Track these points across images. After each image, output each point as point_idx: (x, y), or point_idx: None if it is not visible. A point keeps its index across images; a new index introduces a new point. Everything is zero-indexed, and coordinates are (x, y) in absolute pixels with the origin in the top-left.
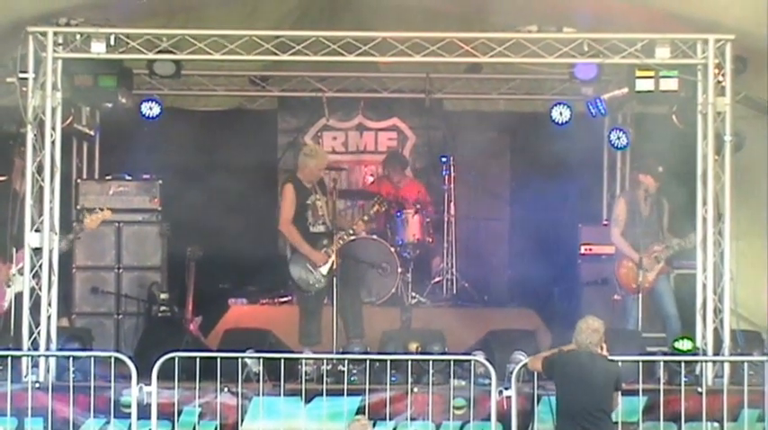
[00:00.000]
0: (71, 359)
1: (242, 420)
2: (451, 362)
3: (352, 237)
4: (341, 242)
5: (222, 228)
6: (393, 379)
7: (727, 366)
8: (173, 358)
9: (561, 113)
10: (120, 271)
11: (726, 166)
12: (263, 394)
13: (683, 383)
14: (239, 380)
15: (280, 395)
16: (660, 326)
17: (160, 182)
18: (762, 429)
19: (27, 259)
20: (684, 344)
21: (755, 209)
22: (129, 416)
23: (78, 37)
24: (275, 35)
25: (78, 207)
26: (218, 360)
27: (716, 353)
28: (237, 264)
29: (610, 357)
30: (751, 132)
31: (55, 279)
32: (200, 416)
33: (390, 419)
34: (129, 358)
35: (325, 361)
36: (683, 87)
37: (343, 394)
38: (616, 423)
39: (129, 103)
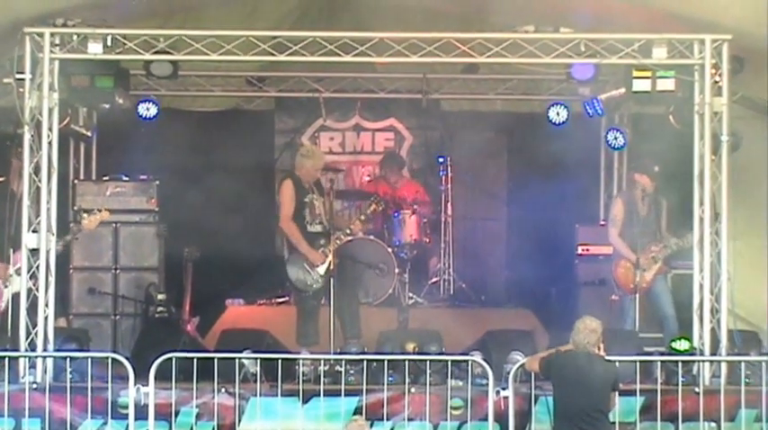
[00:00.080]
0: (68, 360)
1: (239, 421)
2: (449, 363)
3: (350, 238)
4: (338, 242)
5: (219, 228)
6: (390, 379)
7: (724, 366)
8: (170, 359)
9: (558, 114)
10: (118, 271)
11: (723, 166)
12: (260, 394)
13: (680, 383)
14: (236, 381)
15: (277, 395)
16: (657, 326)
17: (157, 182)
18: (759, 429)
19: (24, 260)
20: (681, 345)
21: (753, 209)
22: (126, 416)
23: (75, 38)
24: (272, 35)
25: (75, 208)
26: (216, 360)
27: (713, 354)
28: (235, 264)
29: (607, 357)
30: (748, 132)
31: (52, 279)
32: (198, 416)
33: (388, 420)
34: (127, 359)
35: (322, 361)
36: (680, 87)
37: (340, 394)
38: (613, 423)
39: (126, 103)
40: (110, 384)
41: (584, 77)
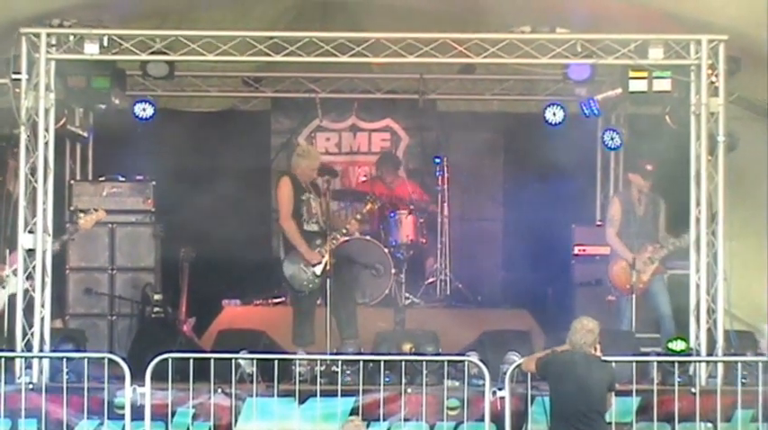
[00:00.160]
0: (65, 360)
1: (236, 421)
2: (445, 363)
3: (346, 238)
4: (334, 242)
5: (216, 229)
6: (387, 379)
7: (720, 366)
8: (166, 359)
9: (555, 114)
10: (114, 272)
11: (719, 167)
12: (256, 395)
13: (676, 384)
14: (233, 381)
15: (273, 396)
16: (653, 326)
17: (153, 183)
18: (755, 429)
19: (21, 260)
20: (678, 345)
21: (749, 209)
22: (122, 417)
23: (71, 38)
24: (268, 36)
25: (72, 208)
26: (212, 361)
27: (709, 354)
28: (231, 265)
29: (603, 358)
30: (744, 133)
31: (48, 280)
32: (194, 417)
33: (384, 420)
34: (123, 359)
35: (318, 361)
36: (677, 88)
37: (336, 395)
38: (610, 423)
39: (123, 104)
40: (106, 384)
41: (581, 78)
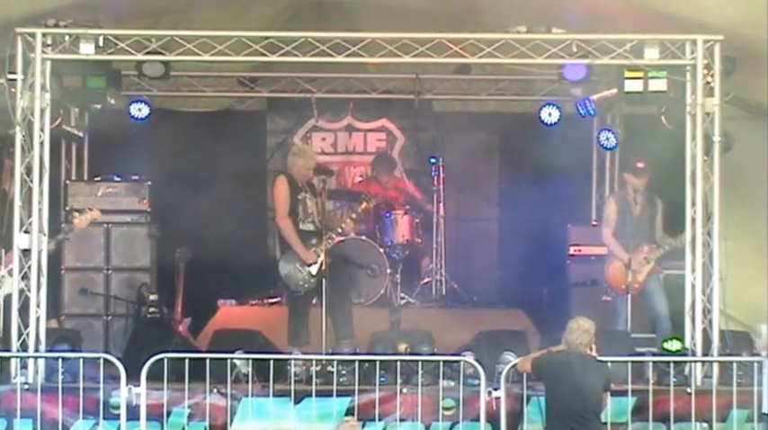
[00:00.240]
0: (60, 360)
1: (231, 421)
2: (441, 363)
3: (341, 238)
4: (330, 242)
5: (211, 229)
6: (382, 379)
7: (716, 366)
8: (162, 359)
9: (550, 114)
10: (109, 272)
11: (715, 167)
12: (252, 395)
13: (671, 384)
14: (228, 381)
15: (269, 396)
16: (649, 326)
17: (149, 183)
18: (751, 429)
19: (16, 260)
20: (673, 345)
21: (744, 209)
22: (118, 417)
23: (67, 38)
24: (264, 36)
25: (67, 208)
26: (208, 361)
27: (705, 354)
28: (227, 265)
29: (599, 358)
30: (740, 133)
31: (44, 280)
32: (190, 417)
33: (380, 420)
34: (119, 359)
35: (314, 361)
36: (672, 88)
37: (332, 395)
38: (605, 423)
39: (118, 104)
40: (101, 384)
41: (577, 78)
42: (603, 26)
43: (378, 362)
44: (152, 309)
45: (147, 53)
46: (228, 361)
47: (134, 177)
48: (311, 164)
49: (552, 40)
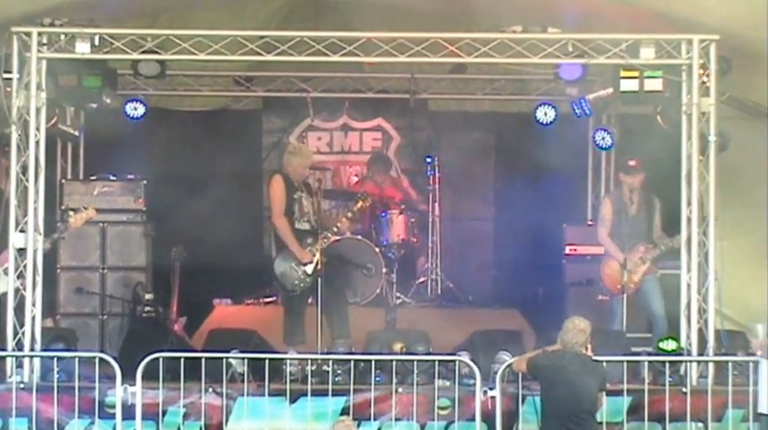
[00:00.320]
0: (55, 359)
1: (226, 420)
2: (436, 363)
3: (337, 238)
4: (325, 242)
5: (207, 228)
6: (378, 379)
7: (711, 366)
8: (157, 358)
9: (546, 114)
10: (105, 271)
11: (710, 167)
12: (247, 394)
13: (667, 383)
14: (224, 381)
15: (264, 395)
16: (645, 326)
17: (145, 182)
18: (746, 429)
19: (11, 259)
20: (669, 345)
21: (740, 209)
22: (113, 416)
23: (63, 37)
24: (260, 35)
25: (63, 207)
26: (203, 360)
27: (700, 354)
28: (222, 264)
29: (594, 357)
30: (736, 133)
31: (39, 279)
32: (185, 416)
33: (375, 419)
34: (114, 358)
35: (309, 361)
36: (668, 88)
37: (327, 394)
38: (600, 423)
39: (114, 103)
40: (97, 384)
41: (572, 77)
42: (599, 26)
43: (373, 362)
44: (147, 309)
45: (143, 52)
46: (224, 360)
47: (129, 176)
48: (307, 162)
49: (548, 40)
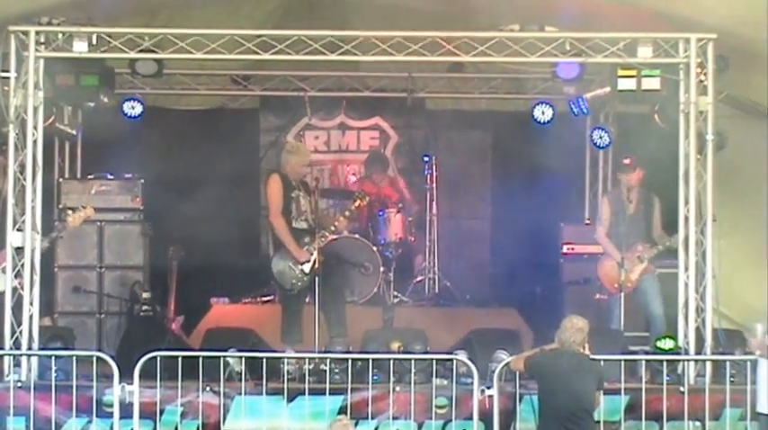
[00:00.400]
0: (53, 358)
1: (224, 419)
2: (433, 362)
3: (334, 236)
4: (323, 241)
5: (204, 227)
6: (375, 378)
7: (709, 365)
8: (155, 357)
9: (543, 112)
10: (102, 270)
11: (708, 166)
12: (245, 393)
13: (665, 382)
14: (221, 380)
15: (262, 394)
16: (643, 325)
17: (142, 181)
18: (744, 428)
19: (9, 258)
20: (666, 344)
21: (738, 208)
22: (111, 415)
23: (60, 36)
24: (257, 34)
25: (60, 206)
26: (201, 359)
27: (698, 353)
28: (220, 263)
29: (592, 356)
30: (734, 131)
31: (37, 278)
32: (183, 415)
33: (372, 418)
34: (112, 357)
35: (307, 360)
36: (666, 86)
37: (325, 393)
38: (598, 422)
39: (111, 102)
40: (94, 383)
41: (570, 76)
42: (597, 24)
43: (370, 361)
44: (145, 307)
45: (141, 51)
46: (221, 359)
47: (127, 175)
48: (305, 161)
49: (545, 39)
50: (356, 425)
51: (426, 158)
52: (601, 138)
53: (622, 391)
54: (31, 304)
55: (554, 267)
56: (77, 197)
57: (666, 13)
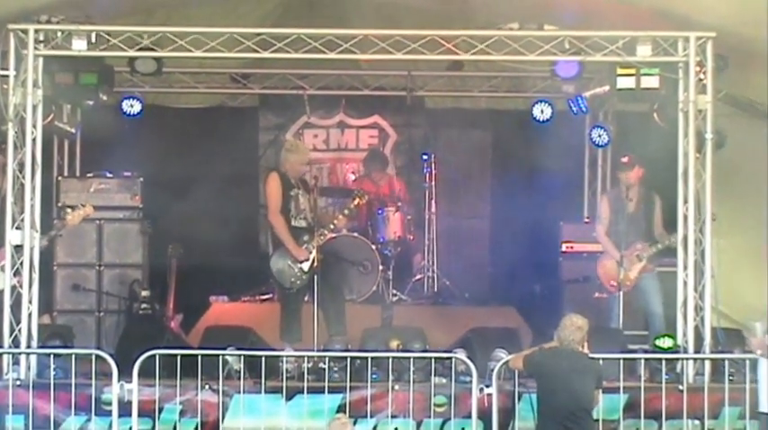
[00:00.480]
0: (52, 356)
1: (223, 417)
2: (432, 360)
3: (333, 235)
4: (322, 239)
5: (203, 225)
6: (374, 376)
7: (707, 364)
8: (154, 355)
9: (542, 111)
10: (102, 268)
11: (707, 164)
12: (243, 391)
13: (663, 381)
14: (220, 378)
15: (260, 392)
16: (642, 323)
17: (141, 179)
18: (743, 427)
19: (8, 257)
20: (665, 342)
21: (737, 206)
22: (110, 413)
23: (59, 34)
24: (256, 32)
25: (59, 204)
26: (199, 357)
27: (697, 351)
28: (219, 261)
29: (591, 355)
30: (733, 130)
31: (36, 276)
32: (181, 413)
33: (371, 417)
34: (111, 355)
35: (306, 358)
36: (665, 85)
37: (324, 391)
38: (597, 420)
39: (111, 100)
40: (93, 381)
41: (569, 75)
42: (596, 23)
43: (369, 359)
44: (144, 306)
45: (140, 49)
46: (220, 357)
47: (126, 174)
48: (304, 159)
49: (544, 37)
50: (355, 423)
51: (425, 157)
52: (600, 136)
53: (621, 390)
54: (30, 302)
55: (553, 266)
56: (76, 195)
57: (666, 12)
